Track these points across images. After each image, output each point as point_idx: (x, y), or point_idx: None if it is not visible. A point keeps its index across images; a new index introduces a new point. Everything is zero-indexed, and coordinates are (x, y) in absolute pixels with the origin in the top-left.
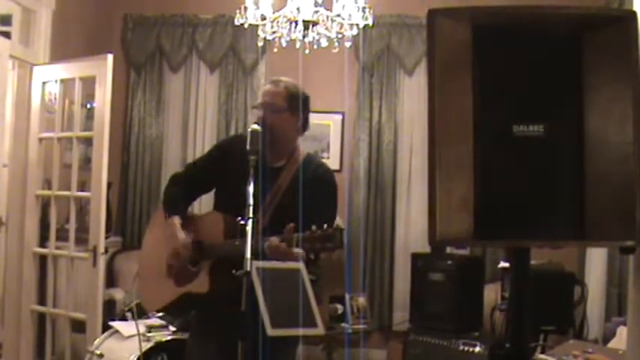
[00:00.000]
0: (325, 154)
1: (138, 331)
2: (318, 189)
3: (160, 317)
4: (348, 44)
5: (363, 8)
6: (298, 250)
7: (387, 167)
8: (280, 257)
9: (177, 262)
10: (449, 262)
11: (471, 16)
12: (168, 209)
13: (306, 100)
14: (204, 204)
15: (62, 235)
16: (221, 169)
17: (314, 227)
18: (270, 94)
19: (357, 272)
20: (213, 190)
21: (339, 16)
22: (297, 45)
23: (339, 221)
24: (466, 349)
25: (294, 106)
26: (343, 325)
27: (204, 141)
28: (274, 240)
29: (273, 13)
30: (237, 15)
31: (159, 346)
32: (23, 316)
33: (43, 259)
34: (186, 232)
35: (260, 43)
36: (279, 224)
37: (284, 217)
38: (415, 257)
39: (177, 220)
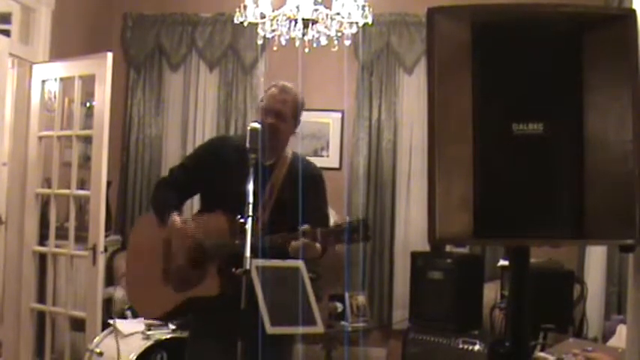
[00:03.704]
0: (324, 153)
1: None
2: (312, 185)
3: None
4: (347, 43)
5: (363, 6)
6: (318, 245)
7: (387, 166)
8: (305, 254)
9: (178, 264)
10: (448, 260)
11: (470, 15)
12: (163, 212)
13: (303, 105)
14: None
15: (62, 234)
16: (210, 170)
17: (335, 221)
18: (281, 102)
19: (356, 271)
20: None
21: (338, 14)
22: (297, 43)
23: (336, 216)
24: (465, 347)
25: (298, 115)
26: (343, 323)
27: (203, 139)
28: (296, 242)
29: (273, 11)
30: (237, 13)
31: (158, 344)
32: (23, 315)
33: (42, 258)
34: (189, 232)
35: (259, 42)
36: (278, 221)
37: (282, 213)
38: (415, 256)
39: (178, 221)
